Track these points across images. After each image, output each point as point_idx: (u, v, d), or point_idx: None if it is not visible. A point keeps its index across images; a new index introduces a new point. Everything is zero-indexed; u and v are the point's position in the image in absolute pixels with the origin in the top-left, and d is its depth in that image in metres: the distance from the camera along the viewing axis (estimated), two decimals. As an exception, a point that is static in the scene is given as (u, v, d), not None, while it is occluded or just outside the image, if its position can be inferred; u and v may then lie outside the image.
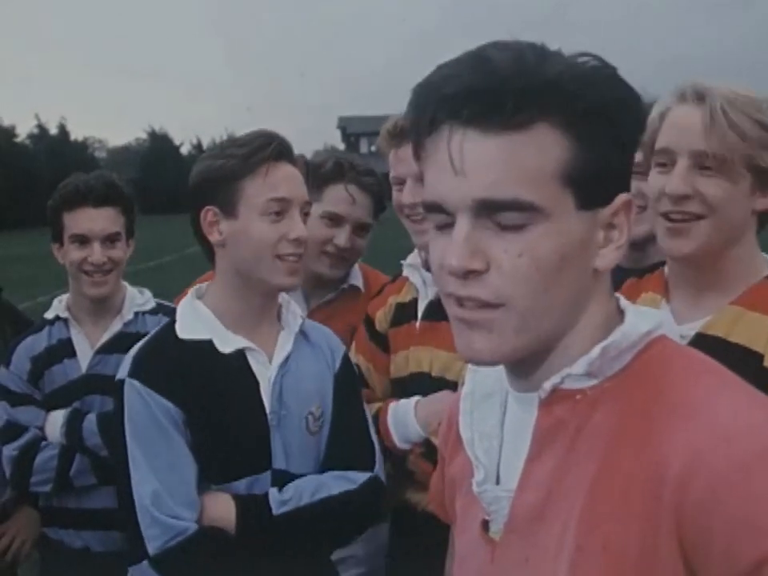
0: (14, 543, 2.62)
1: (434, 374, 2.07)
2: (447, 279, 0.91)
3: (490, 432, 1.06)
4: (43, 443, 2.39)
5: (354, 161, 2.52)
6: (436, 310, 2.07)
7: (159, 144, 60.75)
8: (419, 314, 2.16)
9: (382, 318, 2.27)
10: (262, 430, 1.77)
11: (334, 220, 2.45)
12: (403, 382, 2.14)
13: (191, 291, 1.90)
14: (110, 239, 2.42)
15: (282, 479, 1.77)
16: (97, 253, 2.39)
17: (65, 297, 2.56)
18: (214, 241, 1.79)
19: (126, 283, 2.57)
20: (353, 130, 69.57)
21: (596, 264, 0.93)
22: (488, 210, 0.87)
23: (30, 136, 54.04)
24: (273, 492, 1.74)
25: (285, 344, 1.85)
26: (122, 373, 1.76)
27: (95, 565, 2.40)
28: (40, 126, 55.03)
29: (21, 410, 2.42)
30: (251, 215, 1.74)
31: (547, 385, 0.94)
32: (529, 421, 0.98)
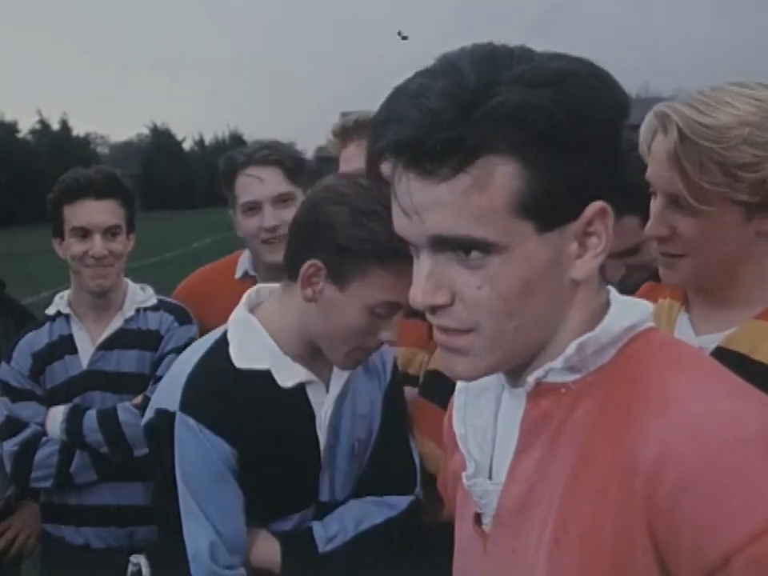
0: (19, 538, 2.63)
1: (399, 369, 2.06)
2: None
3: (484, 426, 1.07)
4: (44, 439, 2.39)
5: (246, 148, 2.56)
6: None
7: (161, 140, 60.62)
8: None
9: None
10: (314, 466, 1.71)
11: (253, 208, 2.44)
12: (414, 380, 2.15)
13: (244, 302, 1.73)
14: (110, 232, 2.42)
15: (324, 509, 1.73)
16: (98, 245, 2.39)
17: (66, 293, 2.56)
18: (306, 296, 1.60)
19: (127, 279, 2.57)
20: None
21: (573, 275, 0.92)
22: (445, 244, 0.88)
23: (32, 132, 53.93)
24: (317, 528, 1.69)
25: (342, 372, 1.73)
26: (172, 403, 1.62)
27: (95, 560, 2.40)
28: (42, 122, 54.95)
29: (21, 405, 2.41)
30: (356, 301, 1.56)
31: (531, 378, 0.96)
32: (519, 415, 0.99)
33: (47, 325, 2.52)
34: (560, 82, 0.84)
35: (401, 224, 0.91)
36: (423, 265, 0.91)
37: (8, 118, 49.30)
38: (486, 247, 0.86)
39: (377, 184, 0.94)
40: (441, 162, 0.84)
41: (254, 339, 1.65)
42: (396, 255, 1.45)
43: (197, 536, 1.61)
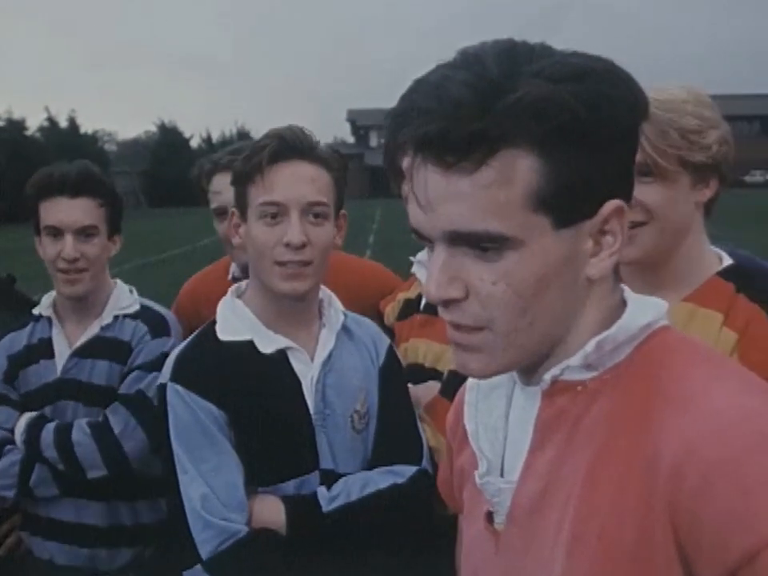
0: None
1: (427, 365, 2.10)
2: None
3: (495, 424, 1.07)
4: (8, 447, 2.24)
5: (215, 154, 2.55)
6: (435, 305, 2.07)
7: (169, 137, 60.79)
8: (421, 308, 2.19)
9: (389, 312, 2.32)
10: (307, 430, 1.75)
11: (223, 213, 2.43)
12: None
13: (231, 290, 1.86)
14: (85, 233, 2.22)
15: (330, 479, 1.75)
16: (68, 246, 2.19)
17: (53, 293, 2.39)
18: (235, 243, 1.80)
19: (118, 281, 2.40)
20: (362, 123, 69.48)
21: (588, 273, 0.92)
22: (461, 239, 0.88)
23: (41, 129, 54.12)
24: (321, 490, 1.72)
25: (326, 342, 1.82)
26: (164, 377, 1.75)
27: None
28: (50, 119, 55.12)
29: None
30: (252, 219, 1.72)
31: (547, 376, 0.95)
32: (533, 412, 0.99)
33: (29, 326, 2.37)
34: (581, 78, 0.84)
35: (417, 217, 0.91)
36: (438, 258, 0.90)
37: (16, 115, 49.53)
38: (502, 242, 0.86)
39: (394, 176, 0.94)
40: (461, 155, 0.83)
41: (237, 315, 1.79)
42: (250, 164, 1.69)
43: (189, 490, 1.67)
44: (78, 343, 2.30)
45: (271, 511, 1.69)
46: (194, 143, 62.82)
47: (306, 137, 1.73)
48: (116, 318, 2.32)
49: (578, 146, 0.84)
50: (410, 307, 2.24)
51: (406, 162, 0.90)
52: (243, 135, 58.19)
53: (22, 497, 2.25)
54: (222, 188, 2.43)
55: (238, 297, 1.84)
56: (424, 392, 2.02)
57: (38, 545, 2.32)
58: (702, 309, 1.55)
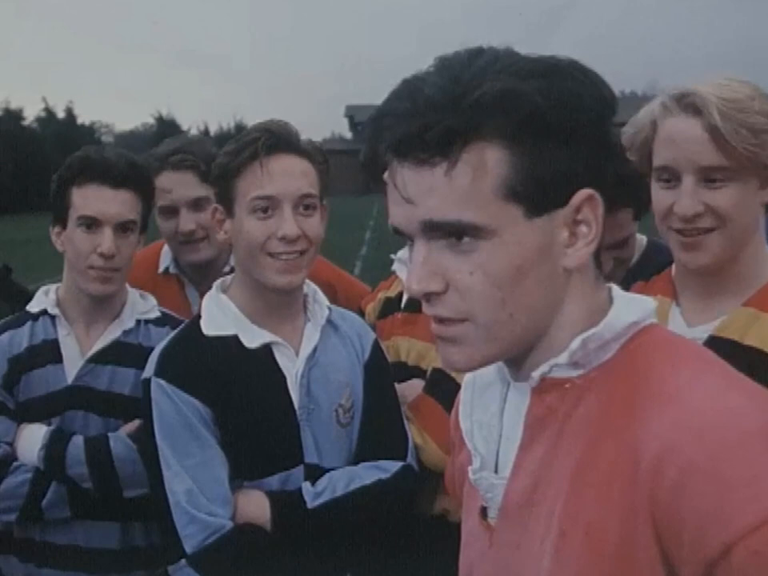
0: None
1: (410, 363, 2.10)
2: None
3: (489, 421, 1.08)
4: (14, 464, 2.00)
5: (160, 149, 2.50)
6: (416, 303, 2.07)
7: (166, 129, 60.58)
8: (402, 306, 2.20)
9: (370, 310, 2.32)
10: (292, 425, 1.76)
11: (170, 211, 2.45)
12: None
13: (216, 285, 1.87)
14: (123, 227, 2.04)
15: (315, 473, 1.76)
16: (108, 240, 2.00)
17: (53, 287, 2.18)
18: (220, 239, 1.81)
19: (127, 285, 2.21)
20: (360, 119, 69.44)
21: (565, 264, 0.94)
22: (437, 231, 0.91)
23: (38, 119, 53.99)
24: (306, 485, 1.73)
25: (311, 336, 1.83)
26: (148, 372, 1.74)
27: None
28: (47, 110, 55.00)
29: None
30: (242, 214, 1.72)
31: (535, 374, 0.97)
32: (524, 410, 1.00)
33: (28, 324, 2.12)
34: (543, 73, 0.88)
35: (396, 215, 0.94)
36: (418, 254, 0.93)
37: (13, 105, 49.40)
38: (476, 232, 0.89)
39: (375, 182, 0.98)
40: (431, 150, 0.87)
41: (221, 310, 1.79)
42: (239, 159, 1.69)
43: (174, 485, 1.67)
44: (96, 348, 2.10)
45: (256, 507, 1.70)
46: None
47: (292, 131, 1.75)
48: (137, 322, 2.15)
49: (542, 138, 0.88)
50: (391, 305, 2.24)
51: (386, 166, 0.93)
52: (241, 129, 57.98)
53: (24, 520, 2.03)
54: (172, 186, 2.42)
55: (223, 292, 1.84)
56: (408, 390, 2.02)
57: (30, 571, 2.08)
58: (764, 314, 1.51)
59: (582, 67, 0.92)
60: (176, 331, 1.84)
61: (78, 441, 2.01)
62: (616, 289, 1.02)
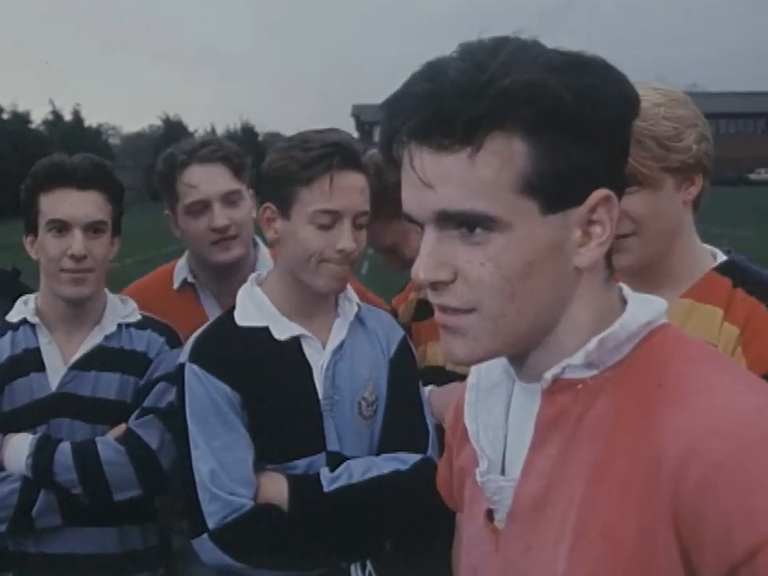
0: None
1: (448, 367, 2.10)
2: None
3: (494, 423, 1.07)
4: (1, 474, 2.00)
5: (184, 145, 2.41)
6: None
7: (173, 131, 60.68)
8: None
9: (403, 311, 2.34)
10: (315, 414, 1.84)
11: (200, 209, 2.32)
12: (421, 375, 2.18)
13: (251, 278, 1.94)
14: (93, 228, 2.03)
15: (336, 461, 1.83)
16: (78, 242, 2.00)
17: (32, 297, 2.17)
18: (269, 237, 1.88)
19: (106, 290, 2.19)
20: (367, 119, 69.48)
21: (576, 263, 0.93)
22: (450, 221, 0.90)
23: (45, 122, 54.18)
24: (324, 471, 1.80)
25: (339, 331, 1.91)
26: (182, 357, 1.86)
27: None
28: (54, 112, 55.17)
29: None
30: (301, 220, 1.78)
31: (548, 375, 0.96)
32: (533, 410, 0.99)
33: (9, 334, 2.11)
34: (570, 68, 0.87)
35: (409, 200, 0.93)
36: (427, 241, 0.92)
37: (21, 108, 49.52)
38: (489, 224, 0.88)
39: (389, 163, 0.96)
40: (454, 137, 0.86)
41: (255, 303, 1.88)
42: (310, 170, 1.74)
43: (200, 464, 1.77)
44: (78, 354, 2.10)
45: (275, 488, 1.78)
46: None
47: (359, 147, 1.83)
48: (119, 326, 2.14)
49: (565, 133, 0.87)
50: (426, 308, 2.23)
51: (400, 148, 0.92)
52: (248, 130, 58.21)
53: (14, 530, 2.00)
54: (200, 180, 2.31)
55: (258, 285, 1.92)
56: (448, 394, 2.01)
57: None
58: (701, 304, 1.58)
59: (607, 65, 0.91)
60: (211, 321, 1.95)
61: (65, 447, 2.01)
62: (626, 288, 1.02)
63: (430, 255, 0.91)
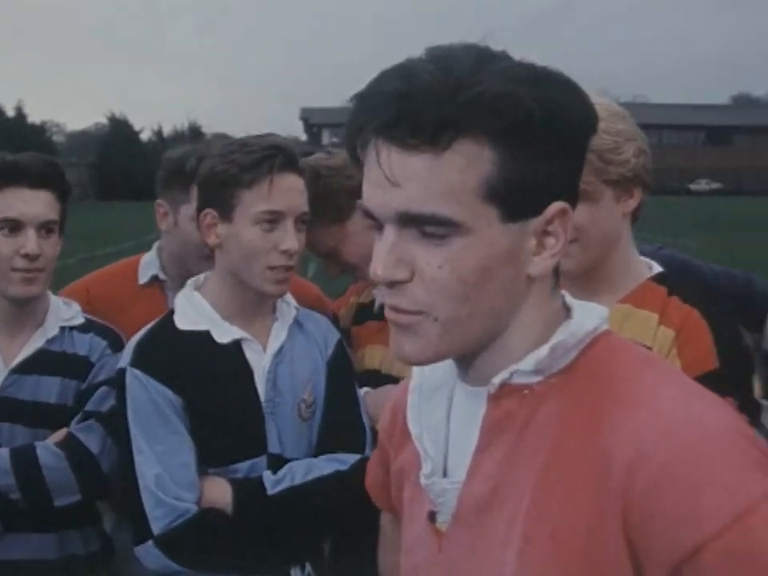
0: None
1: (383, 371, 2.15)
2: (379, 284, 0.95)
3: (436, 425, 1.08)
4: None
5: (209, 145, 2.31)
6: None
7: (119, 129, 59.97)
8: (375, 314, 2.23)
9: (343, 315, 2.35)
10: (257, 416, 1.86)
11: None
12: (358, 378, 2.21)
13: (189, 283, 1.94)
14: (46, 228, 2.01)
15: (277, 463, 1.84)
16: (32, 241, 1.97)
17: None
18: (211, 243, 1.87)
19: (49, 291, 2.15)
20: (315, 121, 69.40)
21: (529, 271, 0.95)
22: (412, 221, 0.90)
23: (-14, 118, 53.06)
24: (267, 473, 1.82)
25: (279, 334, 1.93)
26: (123, 362, 1.85)
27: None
28: (-4, 108, 54.05)
29: None
30: (244, 222, 1.80)
31: (496, 380, 0.97)
32: (477, 414, 1.00)
33: None
34: (539, 82, 0.89)
35: (372, 197, 0.93)
36: (387, 240, 0.92)
37: (-39, 102, 48.33)
38: (450, 227, 0.89)
39: (354, 159, 0.96)
40: (424, 138, 0.87)
41: (194, 307, 1.89)
42: (252, 173, 1.76)
43: (144, 469, 1.77)
44: (20, 358, 2.05)
45: (219, 492, 1.78)
46: (145, 136, 62.09)
47: (297, 150, 1.85)
48: (62, 330, 2.10)
49: (531, 145, 0.88)
50: (365, 312, 2.27)
51: (365, 145, 0.93)
52: (195, 130, 57.70)
53: None
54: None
55: (196, 290, 1.93)
56: (382, 396, 2.03)
57: None
58: (638, 310, 1.63)
59: (570, 81, 0.93)
60: (151, 325, 1.92)
61: (3, 452, 1.96)
62: (569, 296, 1.04)
63: (389, 253, 0.92)
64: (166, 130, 63.51)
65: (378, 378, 2.14)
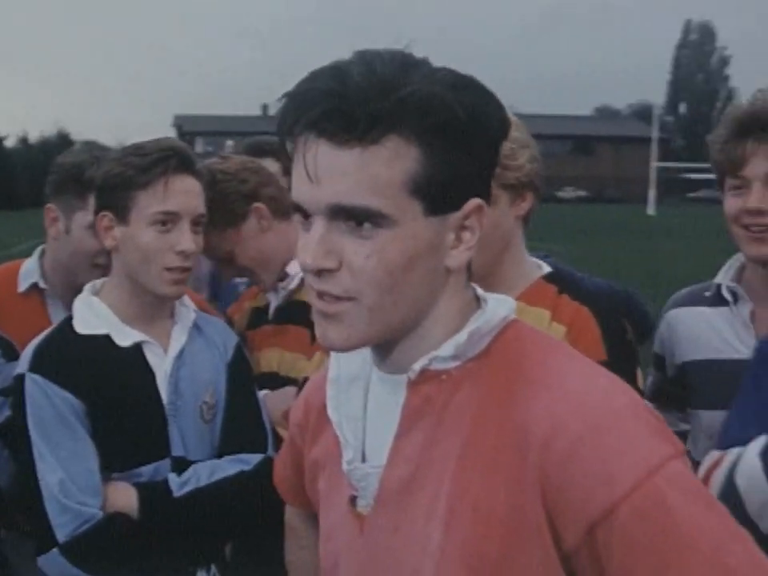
0: None
1: (281, 373, 2.20)
2: (308, 273, 1.00)
3: (354, 414, 1.13)
4: None
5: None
6: (284, 315, 2.24)
7: (-20, 136, 57.37)
8: (270, 318, 2.28)
9: (239, 320, 2.39)
10: (160, 419, 1.87)
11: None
12: (256, 381, 2.23)
13: (87, 288, 1.94)
14: None
15: (181, 466, 1.85)
16: None
17: None
18: (108, 246, 1.88)
19: None
20: (188, 129, 68.24)
21: (447, 263, 1.01)
22: (340, 213, 0.95)
23: None
24: (172, 476, 1.83)
25: (179, 337, 1.95)
26: (21, 368, 1.82)
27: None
28: None
29: None
30: (140, 224, 1.81)
31: (417, 366, 1.03)
32: (396, 401, 1.06)
33: None
34: (460, 86, 0.96)
35: (302, 190, 0.97)
36: (315, 232, 0.97)
37: None
38: (378, 219, 0.95)
39: (286, 155, 1.00)
40: (354, 132, 0.92)
41: (93, 311, 1.89)
42: (147, 174, 1.78)
43: (47, 476, 1.74)
44: None
45: (124, 496, 1.78)
46: (10, 143, 59.58)
47: (193, 153, 1.88)
48: None
49: (454, 145, 0.96)
50: (260, 316, 2.31)
51: (295, 140, 0.97)
52: (63, 137, 55.76)
53: None
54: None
55: (94, 294, 1.93)
56: (281, 397, 2.11)
57: None
58: (531, 307, 1.71)
59: (486, 88, 1.00)
60: (49, 329, 1.92)
61: None
62: (479, 289, 1.11)
63: (319, 244, 0.96)
64: (33, 137, 61.16)
65: (277, 380, 2.18)
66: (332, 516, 1.17)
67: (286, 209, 2.22)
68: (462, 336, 1.03)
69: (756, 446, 1.30)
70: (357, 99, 0.92)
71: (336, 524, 1.16)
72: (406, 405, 1.05)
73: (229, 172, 2.21)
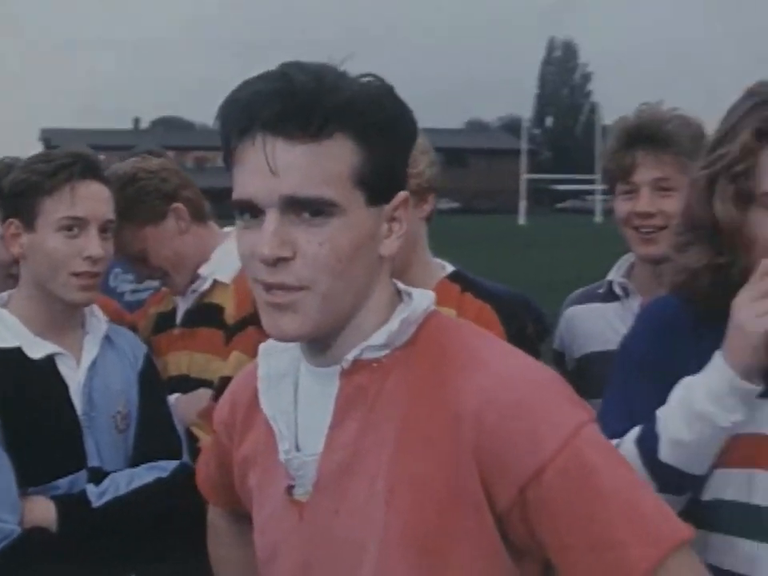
0: None
1: (192, 375, 2.22)
2: (258, 267, 1.05)
3: (286, 408, 1.19)
4: None
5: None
6: (194, 317, 2.26)
7: None
8: (178, 322, 2.29)
9: (144, 325, 2.39)
10: (74, 430, 1.87)
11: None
12: (166, 384, 2.25)
13: None
14: None
15: (98, 477, 1.86)
16: None
17: None
18: (15, 253, 1.89)
19: None
20: (57, 143, 65.62)
21: (381, 252, 1.10)
22: (294, 205, 1.03)
23: None
24: (90, 486, 1.83)
25: (91, 348, 1.95)
26: None
27: None
28: None
29: None
30: (47, 230, 1.83)
31: (350, 356, 1.10)
32: (328, 392, 1.12)
33: None
34: (386, 92, 1.08)
35: (254, 185, 1.04)
36: (270, 224, 1.03)
37: None
38: (330, 208, 1.03)
39: (227, 153, 1.08)
40: (308, 129, 1.01)
41: (3, 323, 1.89)
42: (53, 180, 1.81)
43: None
44: None
45: (42, 510, 1.78)
46: None
47: (98, 160, 1.90)
48: None
49: (387, 141, 1.06)
50: (166, 321, 2.33)
51: (244, 141, 1.04)
52: None
53: None
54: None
55: (2, 306, 1.93)
56: (195, 399, 2.14)
57: None
58: (437, 306, 1.82)
59: (399, 96, 1.11)
60: None
61: None
62: (399, 283, 1.19)
63: (274, 235, 1.03)
64: None
65: (188, 382, 2.20)
66: (267, 508, 1.20)
67: (202, 213, 2.28)
68: (393, 324, 1.10)
69: (632, 434, 1.39)
70: (309, 99, 1.01)
71: (273, 515, 1.19)
72: (339, 394, 1.11)
73: (150, 170, 2.23)
